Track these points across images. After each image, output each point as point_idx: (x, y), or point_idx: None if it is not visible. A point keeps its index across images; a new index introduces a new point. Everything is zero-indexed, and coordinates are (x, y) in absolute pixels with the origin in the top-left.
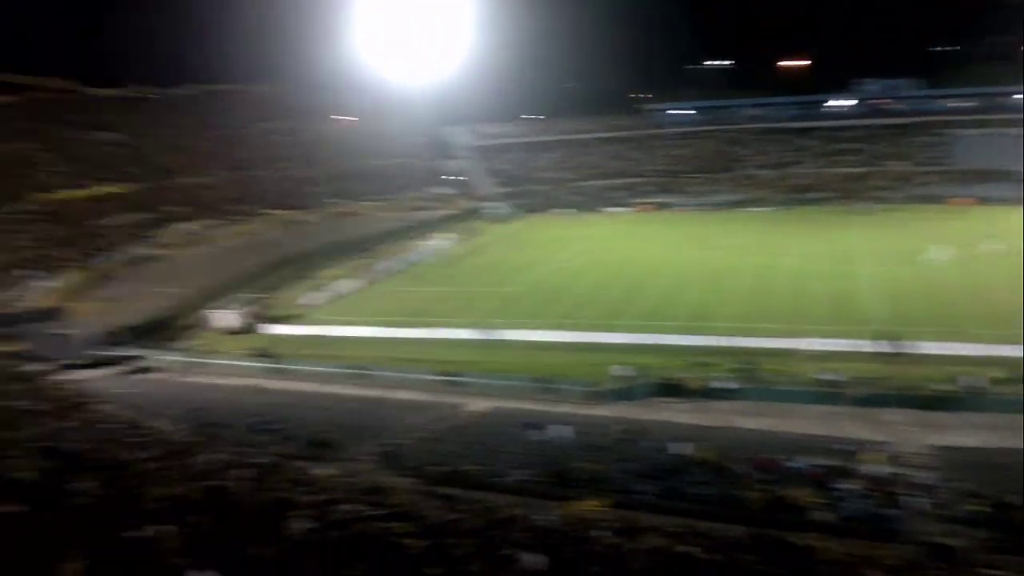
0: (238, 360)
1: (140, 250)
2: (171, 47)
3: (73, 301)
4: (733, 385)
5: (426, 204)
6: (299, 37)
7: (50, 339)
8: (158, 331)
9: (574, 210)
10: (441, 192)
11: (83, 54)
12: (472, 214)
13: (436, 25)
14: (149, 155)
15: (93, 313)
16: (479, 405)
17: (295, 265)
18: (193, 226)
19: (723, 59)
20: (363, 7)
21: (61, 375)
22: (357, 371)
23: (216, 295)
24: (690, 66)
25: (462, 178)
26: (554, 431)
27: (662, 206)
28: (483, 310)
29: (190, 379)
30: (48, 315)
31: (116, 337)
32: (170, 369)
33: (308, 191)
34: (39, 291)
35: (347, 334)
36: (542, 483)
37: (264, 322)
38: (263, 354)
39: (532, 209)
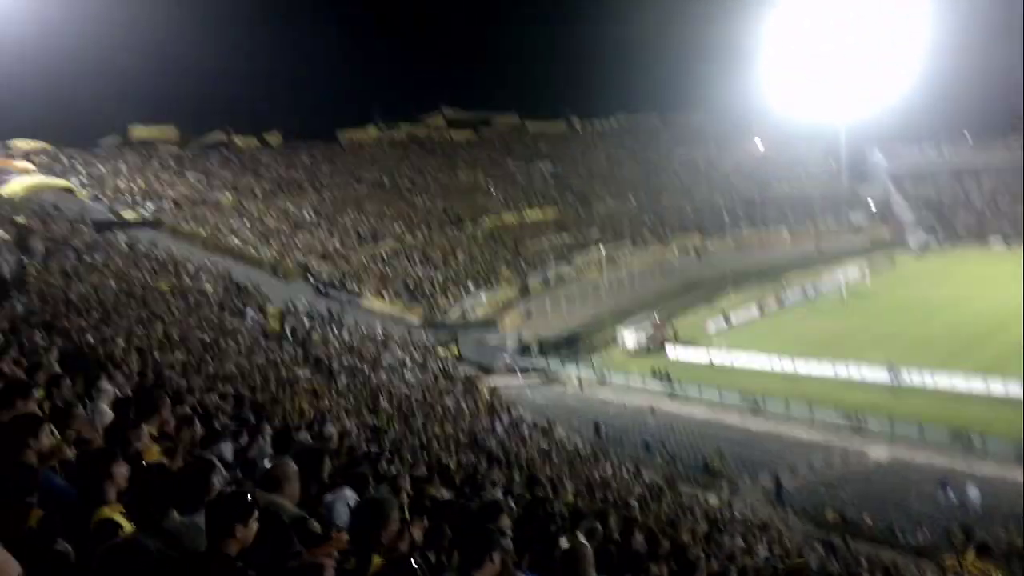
0: (637, 379)
1: (561, 270)
2: (602, 81)
3: (501, 313)
4: None
5: (839, 232)
6: (718, 66)
7: (480, 346)
8: (568, 346)
9: (1006, 246)
10: (856, 220)
11: (525, 92)
12: (889, 245)
13: (852, 47)
14: (575, 182)
15: (516, 325)
16: (881, 452)
17: (701, 290)
18: (609, 249)
19: None
20: (780, 30)
21: (487, 379)
22: (752, 402)
23: (623, 316)
24: None
25: (880, 205)
26: (971, 492)
27: None
28: (893, 350)
29: (593, 394)
30: (481, 325)
31: (533, 349)
32: (576, 383)
33: (719, 217)
34: (475, 303)
35: (745, 363)
36: (947, 547)
37: (665, 345)
38: (661, 376)
39: (958, 242)
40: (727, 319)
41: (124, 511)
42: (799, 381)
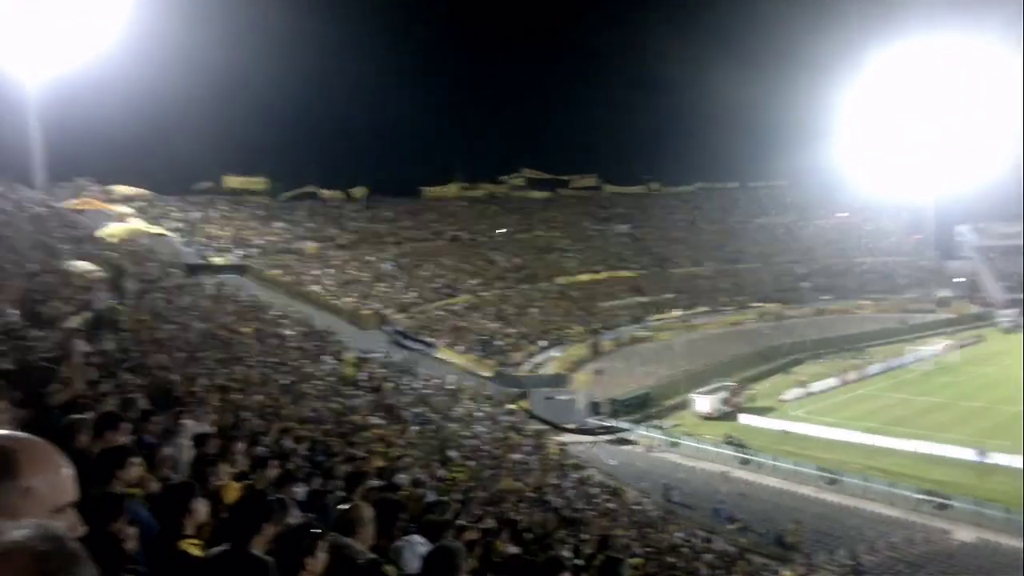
0: (710, 445)
1: (634, 331)
2: (682, 148)
3: (572, 371)
4: None
5: (923, 306)
6: (802, 135)
7: (550, 403)
8: (640, 407)
9: None
10: (942, 294)
11: (606, 156)
12: (976, 320)
13: (943, 121)
14: (651, 245)
15: (587, 384)
16: (967, 534)
17: (777, 358)
18: (683, 313)
19: None
20: (866, 101)
21: (556, 436)
22: (829, 474)
23: (697, 380)
24: None
25: (967, 280)
26: None
27: None
28: (979, 428)
29: (663, 456)
30: (551, 381)
31: (603, 408)
32: (647, 444)
33: (799, 286)
34: (547, 359)
35: (822, 434)
36: None
37: (740, 411)
38: (734, 443)
39: None
40: (805, 388)
41: (201, 544)
42: (879, 455)
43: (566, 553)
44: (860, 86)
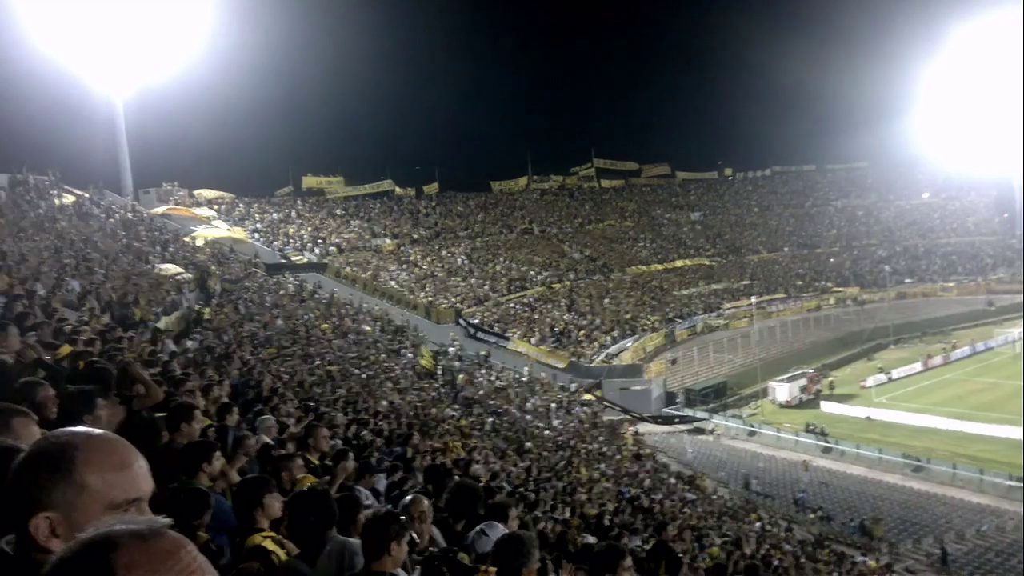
0: (789, 433)
1: (708, 319)
2: (757, 132)
3: (646, 361)
4: None
5: (1011, 287)
6: (881, 115)
7: (625, 393)
8: (716, 396)
9: None
10: None
11: (678, 143)
12: None
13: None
14: (725, 232)
15: (662, 373)
16: None
17: (858, 344)
18: (759, 299)
19: None
20: (948, 77)
21: (632, 426)
22: (915, 462)
23: (774, 367)
24: None
25: None
26: None
27: None
28: None
29: (741, 445)
30: (625, 371)
31: (679, 397)
32: (724, 433)
33: (879, 269)
34: (621, 349)
35: (904, 421)
36: None
37: (819, 398)
38: (814, 430)
39: None
40: (887, 374)
41: (276, 538)
42: (966, 441)
43: (638, 542)
44: (942, 60)
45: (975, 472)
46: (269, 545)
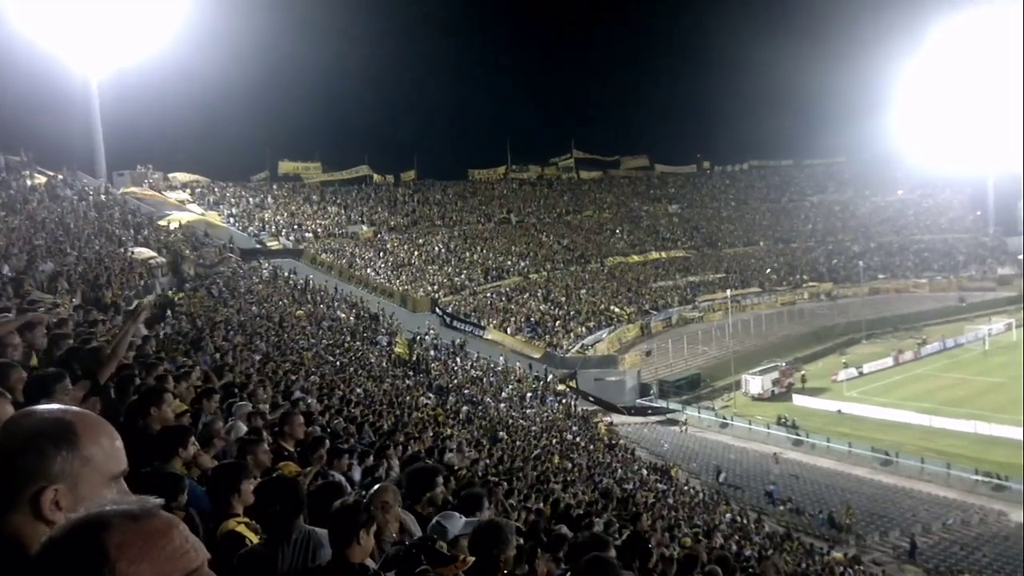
0: (761, 425)
1: (684, 311)
2: (735, 127)
3: (622, 352)
4: None
5: (983, 284)
6: (858, 111)
7: (599, 384)
8: (690, 388)
9: None
10: (1003, 272)
11: (656, 136)
12: None
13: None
14: (702, 225)
15: (636, 365)
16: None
17: (830, 338)
18: (734, 292)
19: None
20: (924, 75)
21: (605, 417)
22: (882, 455)
23: (748, 360)
24: None
25: None
26: None
27: None
28: None
29: (712, 437)
30: (601, 362)
31: (652, 389)
32: (696, 425)
33: (853, 265)
34: (596, 340)
35: (875, 415)
36: None
37: (791, 392)
38: (786, 423)
39: None
40: (859, 369)
41: (250, 524)
42: (935, 436)
43: (612, 534)
44: (919, 58)
45: (942, 467)
46: (243, 530)
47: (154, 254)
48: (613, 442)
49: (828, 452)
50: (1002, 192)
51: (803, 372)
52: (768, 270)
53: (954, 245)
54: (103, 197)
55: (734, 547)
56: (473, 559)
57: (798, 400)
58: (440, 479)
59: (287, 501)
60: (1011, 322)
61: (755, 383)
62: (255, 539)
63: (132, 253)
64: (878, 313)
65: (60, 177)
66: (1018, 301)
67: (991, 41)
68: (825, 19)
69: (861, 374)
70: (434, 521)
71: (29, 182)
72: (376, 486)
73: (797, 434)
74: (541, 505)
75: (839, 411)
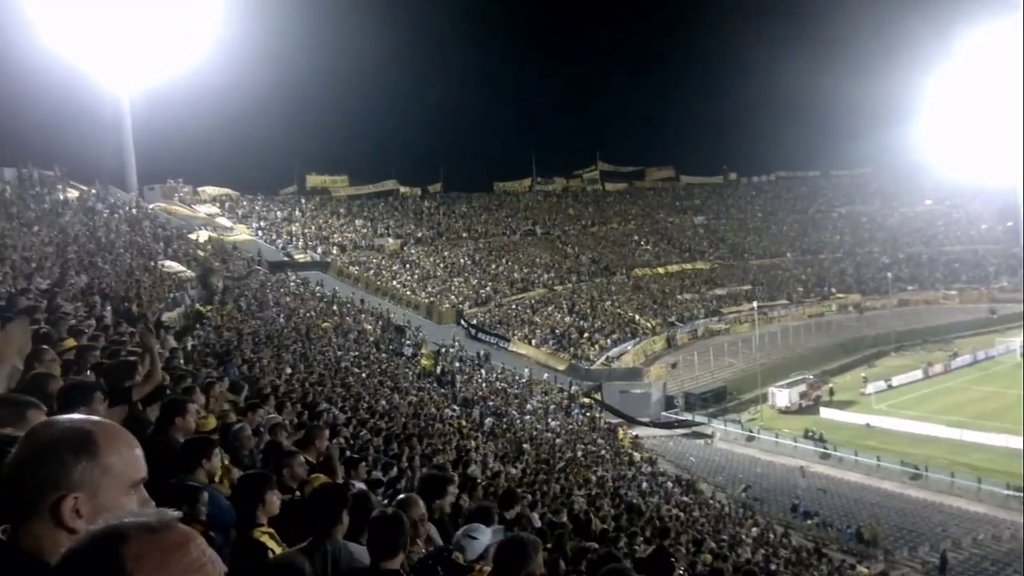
0: (788, 439)
1: (710, 323)
2: (761, 137)
3: (647, 364)
4: None
5: (1014, 295)
6: (886, 121)
7: (624, 396)
8: (716, 401)
9: None
10: None
11: (682, 147)
12: None
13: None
14: (728, 236)
15: (662, 377)
16: None
17: (859, 350)
18: (761, 304)
19: None
20: (954, 84)
21: (630, 429)
22: (911, 469)
23: (774, 373)
24: None
25: None
26: None
27: None
28: None
29: (739, 450)
30: (627, 375)
31: (678, 401)
32: (722, 438)
33: (882, 276)
34: (621, 352)
35: (904, 428)
36: None
37: (819, 405)
38: (813, 436)
39: None
40: (887, 381)
41: (273, 534)
42: (966, 450)
43: (636, 547)
44: (947, 67)
45: (973, 481)
46: (267, 540)
47: (183, 268)
48: (637, 455)
49: (856, 466)
50: None
51: (831, 385)
52: (796, 282)
53: (984, 256)
54: (134, 211)
55: (760, 560)
56: (489, 569)
57: (825, 413)
58: (452, 488)
59: (329, 510)
60: None
61: (782, 396)
62: (278, 550)
63: (162, 266)
64: (907, 325)
65: (93, 191)
66: None
67: (1019, 49)
68: (852, 29)
69: (890, 387)
70: (462, 531)
71: (62, 196)
72: (403, 496)
73: (825, 447)
74: (565, 518)
75: (867, 424)
